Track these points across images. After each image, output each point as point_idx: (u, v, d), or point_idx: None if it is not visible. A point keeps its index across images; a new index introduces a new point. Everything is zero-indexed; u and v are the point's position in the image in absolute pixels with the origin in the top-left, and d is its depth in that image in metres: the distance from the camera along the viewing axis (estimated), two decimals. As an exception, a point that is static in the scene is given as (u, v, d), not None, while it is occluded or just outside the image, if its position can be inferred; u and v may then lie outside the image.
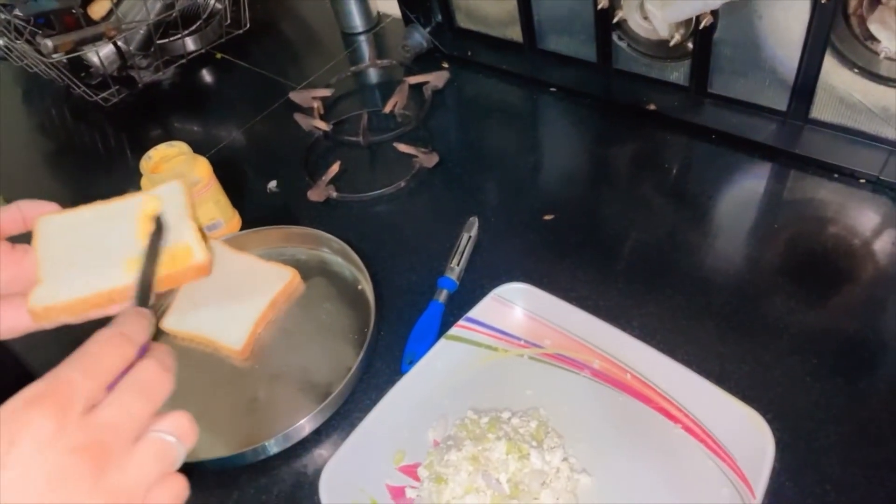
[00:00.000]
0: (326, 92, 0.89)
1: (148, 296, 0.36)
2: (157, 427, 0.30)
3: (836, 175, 0.68)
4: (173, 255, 0.39)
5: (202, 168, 0.69)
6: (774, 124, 0.72)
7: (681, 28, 0.71)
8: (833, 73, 0.66)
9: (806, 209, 0.67)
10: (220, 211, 0.72)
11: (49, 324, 0.38)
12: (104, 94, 0.95)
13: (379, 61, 0.94)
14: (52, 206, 0.41)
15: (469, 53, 0.91)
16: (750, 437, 0.48)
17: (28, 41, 0.90)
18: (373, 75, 0.95)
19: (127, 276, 0.38)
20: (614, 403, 0.54)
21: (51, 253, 0.39)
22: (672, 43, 0.72)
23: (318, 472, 0.51)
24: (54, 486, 0.26)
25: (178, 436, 0.30)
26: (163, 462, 0.30)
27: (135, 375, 0.30)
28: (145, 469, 0.29)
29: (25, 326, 0.38)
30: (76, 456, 0.27)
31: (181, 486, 0.31)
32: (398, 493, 0.52)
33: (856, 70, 0.65)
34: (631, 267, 0.65)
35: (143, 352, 0.32)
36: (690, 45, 0.72)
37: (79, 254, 0.39)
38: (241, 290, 0.65)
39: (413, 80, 0.88)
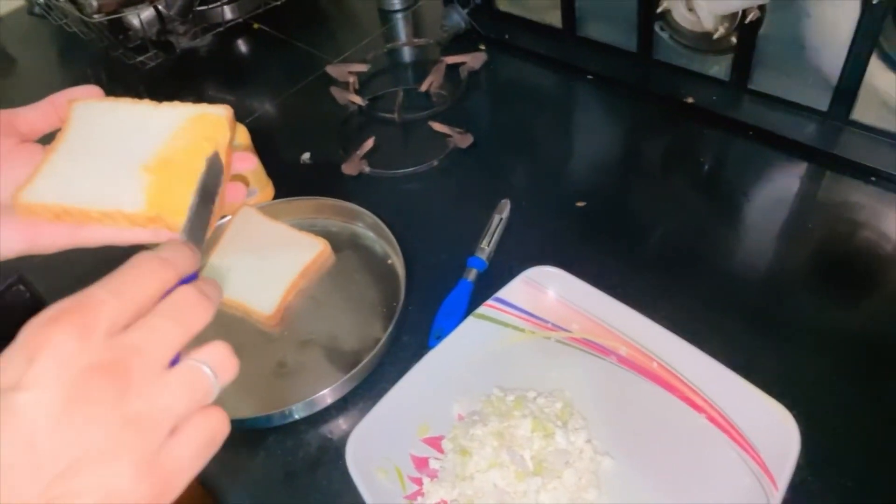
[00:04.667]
0: (363, 67, 0.90)
1: (199, 235, 0.34)
2: (191, 356, 0.28)
3: (873, 178, 0.68)
4: (207, 130, 0.37)
5: (241, 135, 0.69)
6: (814, 124, 0.72)
7: (726, 21, 0.71)
8: (878, 74, 0.65)
9: (840, 211, 0.66)
10: (254, 179, 0.72)
11: (36, 236, 0.35)
12: (142, 58, 0.95)
13: (416, 40, 0.94)
14: (92, 89, 0.38)
15: (507, 37, 0.91)
16: (775, 430, 0.48)
17: (70, 0, 0.91)
18: (408, 54, 0.95)
19: (135, 199, 0.35)
20: (639, 390, 0.55)
21: (68, 145, 0.37)
22: (716, 36, 0.72)
23: (342, 439, 0.52)
24: (71, 408, 0.24)
25: (214, 366, 0.28)
26: (194, 392, 0.27)
27: (170, 300, 0.28)
28: (172, 397, 0.26)
29: (20, 247, 0.35)
30: (96, 376, 0.25)
31: (219, 419, 0.28)
32: (422, 463, 0.52)
33: (902, 73, 0.64)
34: (661, 258, 0.65)
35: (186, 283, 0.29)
36: (734, 40, 0.72)
37: (95, 153, 0.36)
38: (272, 258, 0.66)
39: (450, 60, 0.88)
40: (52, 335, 0.25)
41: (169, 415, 0.26)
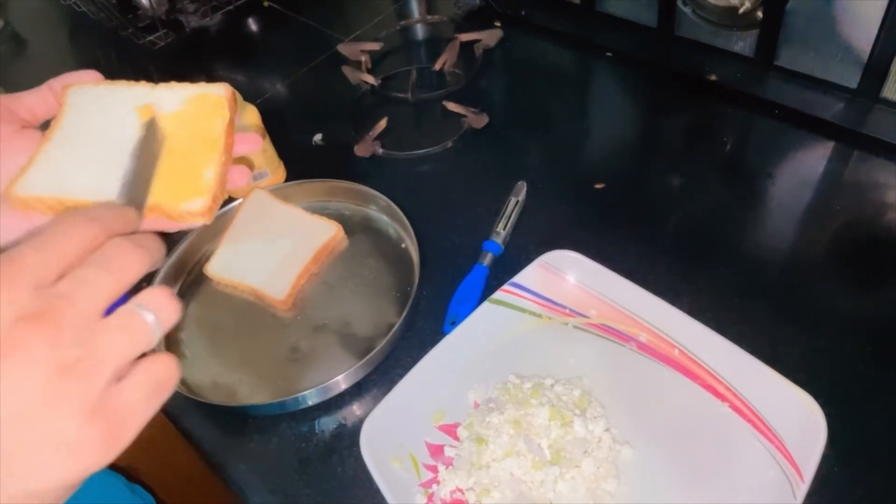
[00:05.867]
0: (375, 45, 0.88)
1: (138, 200, 0.32)
2: (129, 301, 0.27)
3: (904, 158, 0.66)
4: (207, 112, 0.35)
5: (251, 116, 0.68)
6: (842, 102, 0.69)
7: (752, -5, 0.68)
8: (912, 50, 0.63)
9: (869, 192, 0.64)
10: (266, 161, 0.71)
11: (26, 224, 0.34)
12: (151, 37, 0.94)
13: (429, 17, 0.92)
14: (92, 74, 0.36)
15: (523, 13, 0.88)
16: (801, 420, 0.47)
17: (78, -21, 0.90)
18: (421, 31, 0.93)
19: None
20: (660, 378, 0.53)
21: (63, 132, 0.35)
22: (741, 10, 0.69)
23: (356, 425, 0.51)
24: (2, 360, 0.24)
25: (154, 310, 0.27)
26: (132, 336, 0.27)
27: (100, 251, 0.27)
28: (109, 342, 0.26)
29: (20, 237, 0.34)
30: (25, 325, 0.24)
31: (166, 364, 0.28)
32: (437, 450, 0.52)
33: (937, 48, 0.61)
34: (683, 241, 0.63)
35: None
36: (760, 14, 0.69)
37: (90, 141, 0.35)
38: (284, 241, 0.65)
39: (465, 37, 0.86)
40: None
41: (108, 360, 0.26)
